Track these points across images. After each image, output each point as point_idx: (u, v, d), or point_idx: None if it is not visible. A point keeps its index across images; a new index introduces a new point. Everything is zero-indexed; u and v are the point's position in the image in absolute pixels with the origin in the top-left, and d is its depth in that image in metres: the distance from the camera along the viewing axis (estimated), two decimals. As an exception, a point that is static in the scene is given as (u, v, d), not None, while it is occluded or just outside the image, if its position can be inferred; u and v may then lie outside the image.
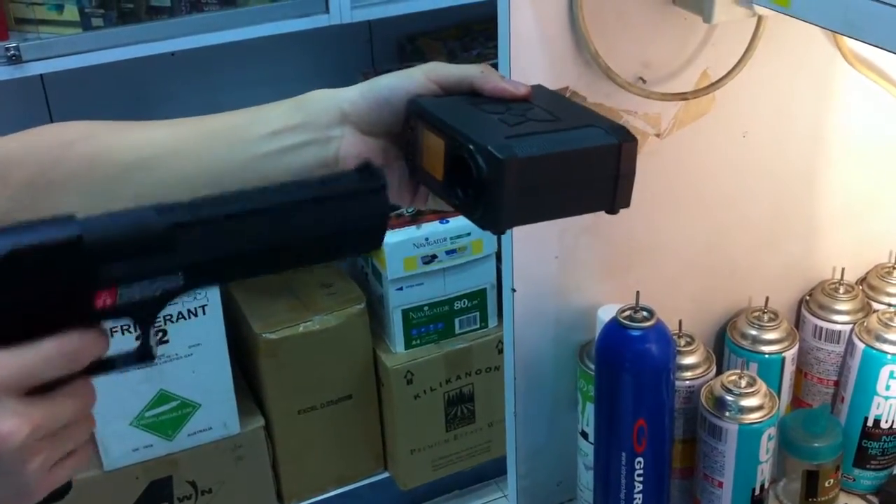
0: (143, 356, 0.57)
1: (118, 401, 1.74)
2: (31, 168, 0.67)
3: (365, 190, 0.60)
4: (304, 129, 0.68)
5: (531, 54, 0.82)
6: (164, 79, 1.77)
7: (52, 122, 1.76)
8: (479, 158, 0.60)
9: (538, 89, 0.70)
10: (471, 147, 0.61)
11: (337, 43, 1.84)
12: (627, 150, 0.63)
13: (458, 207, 0.64)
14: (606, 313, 0.91)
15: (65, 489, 0.55)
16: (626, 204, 0.65)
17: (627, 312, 0.88)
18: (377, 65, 1.95)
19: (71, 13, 1.51)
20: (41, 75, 1.61)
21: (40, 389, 0.51)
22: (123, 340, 0.56)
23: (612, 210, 0.65)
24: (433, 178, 0.66)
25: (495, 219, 0.62)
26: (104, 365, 0.55)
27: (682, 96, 0.87)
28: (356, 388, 1.96)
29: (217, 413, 1.85)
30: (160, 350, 1.73)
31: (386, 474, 2.07)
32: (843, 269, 1.02)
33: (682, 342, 0.95)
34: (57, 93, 1.76)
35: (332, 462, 2.01)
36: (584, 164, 0.63)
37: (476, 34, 1.99)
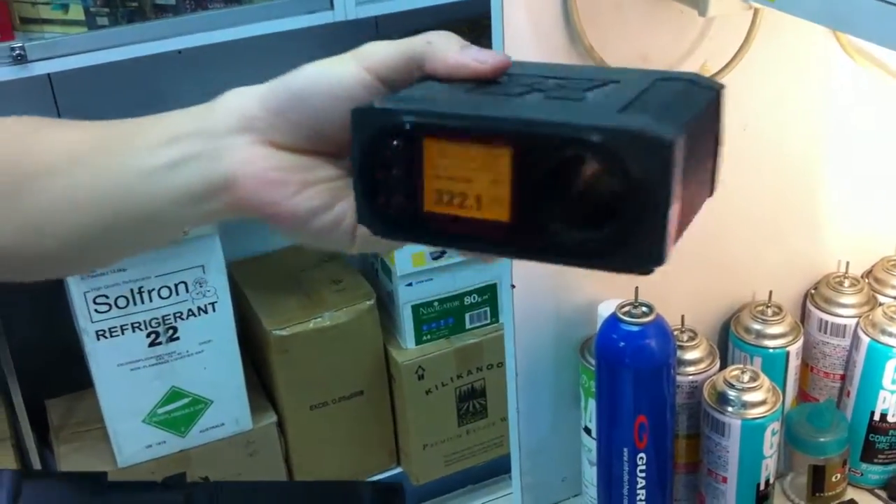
0: None
1: (130, 398, 1.75)
2: None
3: None
4: (195, 137, 0.51)
5: (525, 49, 0.81)
6: (171, 77, 1.77)
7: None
8: (623, 151, 0.38)
9: (515, 61, 0.50)
10: (593, 140, 0.39)
11: (343, 40, 1.83)
12: (721, 101, 0.46)
13: (558, 255, 0.42)
14: (607, 308, 0.90)
15: None
16: (717, 182, 0.47)
17: (626, 308, 0.87)
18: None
19: (76, 12, 1.51)
20: (49, 75, 1.61)
21: None
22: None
23: (710, 193, 0.46)
24: (478, 223, 0.42)
25: (657, 242, 0.40)
26: None
27: (680, 89, 0.86)
28: (368, 384, 1.96)
29: (229, 409, 1.85)
30: (171, 347, 1.74)
31: (398, 469, 2.06)
32: (847, 263, 1.01)
33: (685, 337, 0.95)
34: (65, 92, 1.77)
35: (344, 458, 2.01)
36: (706, 129, 0.44)
37: (485, 28, 1.98)
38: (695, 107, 0.43)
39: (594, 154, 0.39)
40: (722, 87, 0.47)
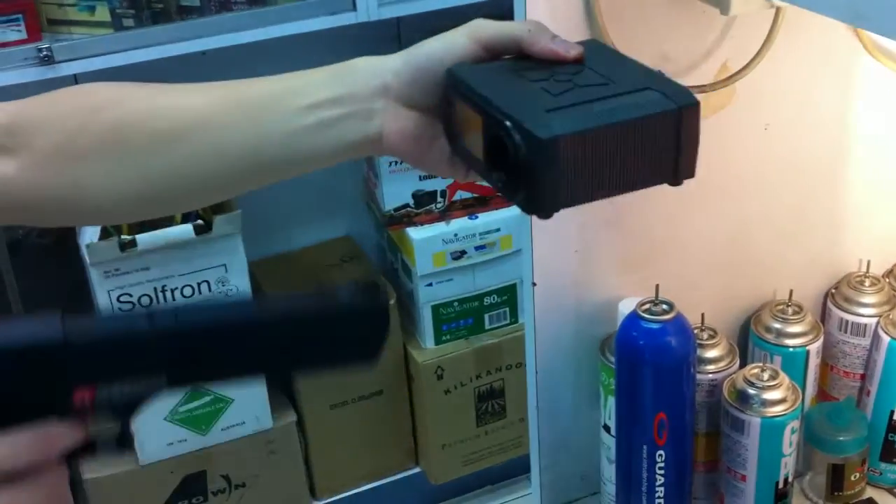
0: (121, 443, 0.56)
1: (152, 396, 1.76)
2: (56, 135, 0.64)
3: (364, 312, 0.55)
4: (345, 101, 0.63)
5: (548, 48, 0.82)
6: (195, 78, 1.77)
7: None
8: (517, 137, 0.55)
9: (592, 46, 0.64)
10: (507, 125, 0.56)
11: (365, 41, 1.85)
12: (689, 115, 0.58)
13: (500, 190, 0.60)
14: (627, 306, 0.91)
15: None
16: (691, 174, 0.59)
17: (647, 306, 0.88)
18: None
19: (102, 14, 1.54)
20: (75, 75, 1.63)
21: (12, 476, 0.51)
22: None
23: (675, 182, 0.59)
24: (475, 157, 0.61)
25: (540, 202, 0.57)
26: (81, 451, 0.55)
27: (702, 89, 0.86)
28: (387, 384, 1.97)
29: (250, 408, 1.87)
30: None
31: (417, 469, 2.07)
32: (868, 262, 1.01)
33: (705, 335, 0.95)
34: (91, 92, 1.79)
35: (363, 457, 2.02)
36: (638, 134, 0.57)
37: (505, 30, 1.98)
38: (633, 113, 0.57)
39: (505, 135, 0.56)
40: (686, 104, 0.58)
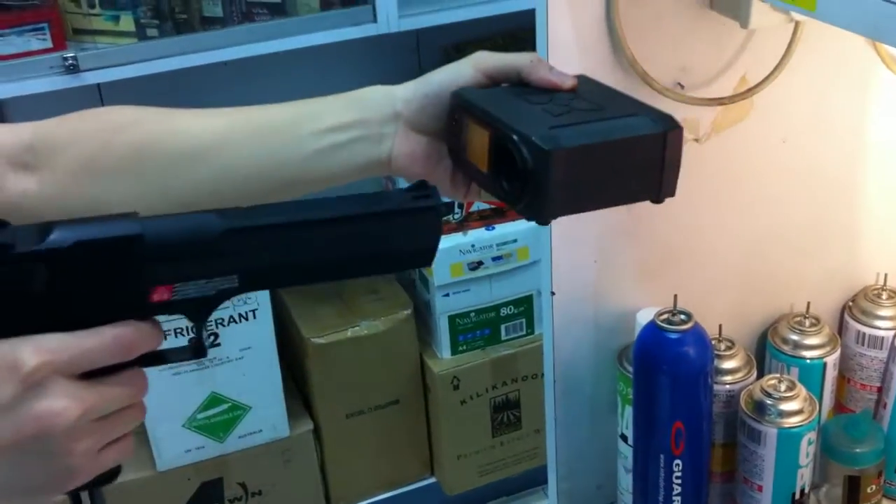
0: (196, 351, 0.59)
1: (171, 402, 1.78)
2: (79, 153, 0.67)
3: (419, 208, 0.60)
4: (357, 126, 0.68)
5: (569, 60, 0.83)
6: (217, 88, 1.80)
7: (108, 130, 1.81)
8: (524, 149, 0.61)
9: (583, 79, 0.71)
10: (515, 138, 0.61)
11: (384, 52, 1.87)
12: (673, 139, 0.63)
13: (503, 198, 0.65)
14: (645, 316, 0.91)
15: (110, 475, 0.57)
16: (672, 192, 0.65)
17: (665, 315, 0.88)
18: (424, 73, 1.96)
19: (127, 24, 1.56)
20: (98, 84, 1.65)
21: (94, 375, 0.53)
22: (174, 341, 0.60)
23: (657, 199, 0.65)
24: (478, 169, 0.66)
25: (540, 209, 0.62)
26: (158, 357, 0.57)
27: (720, 101, 0.87)
28: (403, 393, 1.98)
29: (267, 416, 1.88)
30: (211, 353, 1.77)
31: (432, 479, 2.08)
32: (885, 275, 1.01)
33: (723, 346, 0.96)
34: (114, 101, 1.80)
35: (379, 466, 2.02)
36: (629, 153, 0.63)
37: (523, 42, 2.00)
38: (626, 133, 0.63)
39: (513, 147, 0.61)
40: (671, 128, 0.63)
